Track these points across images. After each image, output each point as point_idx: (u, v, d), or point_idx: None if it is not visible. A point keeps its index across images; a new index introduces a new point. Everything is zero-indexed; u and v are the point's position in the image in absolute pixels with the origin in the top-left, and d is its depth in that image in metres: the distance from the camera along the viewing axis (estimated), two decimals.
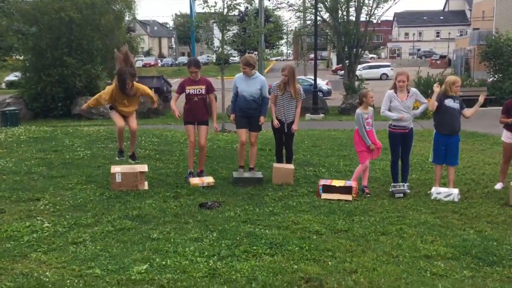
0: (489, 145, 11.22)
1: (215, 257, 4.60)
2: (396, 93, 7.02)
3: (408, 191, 7.04)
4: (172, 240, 5.03)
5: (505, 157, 7.32)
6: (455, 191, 6.79)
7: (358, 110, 7.14)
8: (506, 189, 6.94)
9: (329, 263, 4.51)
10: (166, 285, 4.01)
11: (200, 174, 7.67)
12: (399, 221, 5.77)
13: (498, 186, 7.30)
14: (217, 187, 7.26)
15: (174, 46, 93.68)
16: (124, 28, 26.41)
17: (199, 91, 7.42)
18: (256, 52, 20.00)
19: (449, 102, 6.85)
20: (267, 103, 7.69)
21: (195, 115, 7.50)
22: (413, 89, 7.13)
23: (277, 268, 4.36)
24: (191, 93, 7.42)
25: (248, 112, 7.59)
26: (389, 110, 7.04)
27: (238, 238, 5.09)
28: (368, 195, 6.94)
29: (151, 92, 7.99)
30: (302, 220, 5.75)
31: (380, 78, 45.65)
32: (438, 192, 6.82)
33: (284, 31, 32.36)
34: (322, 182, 7.12)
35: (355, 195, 6.84)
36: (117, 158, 8.27)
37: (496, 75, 22.97)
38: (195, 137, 7.56)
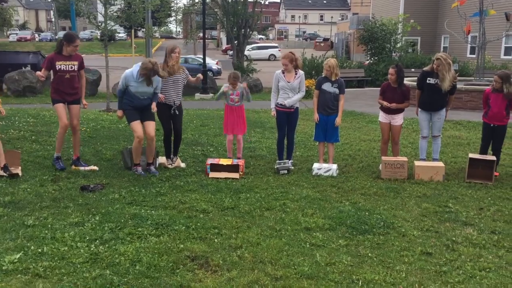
0: (365, 123, 12.06)
1: (97, 241, 4.43)
2: (283, 73, 7.22)
3: (292, 167, 7.35)
4: (49, 226, 4.74)
5: (384, 137, 7.70)
6: (334, 166, 7.22)
7: (226, 84, 7.65)
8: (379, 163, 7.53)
9: (215, 240, 4.57)
10: (42, 274, 3.78)
11: (76, 162, 6.97)
12: (283, 197, 6.00)
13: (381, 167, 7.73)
14: (101, 169, 6.96)
15: (53, 19, 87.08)
16: None
17: (71, 67, 6.72)
18: (143, 29, 19.31)
19: (325, 86, 7.22)
20: (157, 95, 7.02)
21: (66, 93, 6.76)
22: (301, 72, 7.35)
23: (163, 248, 4.32)
24: (62, 69, 6.67)
25: (140, 107, 6.84)
26: (278, 89, 7.27)
27: (122, 220, 4.94)
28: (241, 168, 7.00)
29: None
30: (189, 200, 5.74)
31: (269, 59, 46.84)
32: (319, 167, 7.20)
33: (173, 8, 31.58)
34: (210, 161, 7.16)
35: (242, 173, 6.97)
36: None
37: (372, 58, 24.66)
38: (67, 118, 6.82)
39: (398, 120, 7.42)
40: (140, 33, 55.32)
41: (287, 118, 7.36)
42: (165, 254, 4.20)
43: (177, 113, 7.26)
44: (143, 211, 5.26)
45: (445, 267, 4.10)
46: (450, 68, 7.07)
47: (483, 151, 7.25)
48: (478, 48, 16.46)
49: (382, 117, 7.51)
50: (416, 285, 3.79)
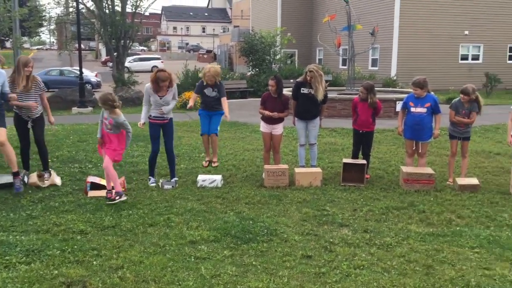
0: (248, 133, 12.30)
1: None
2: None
3: (176, 186, 7.17)
4: None
5: (265, 146, 7.86)
6: (218, 177, 7.24)
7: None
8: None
9: (94, 262, 4.32)
10: None
11: None
12: (167, 211, 5.88)
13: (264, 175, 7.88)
14: None
15: None
16: None
17: None
18: (10, 40, 17.84)
19: (207, 91, 7.26)
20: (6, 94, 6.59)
21: None
22: (174, 87, 7.22)
23: (34, 276, 3.97)
24: None
25: None
26: (150, 103, 7.03)
27: None
28: (111, 201, 6.18)
29: None
30: (65, 221, 5.38)
31: (151, 71, 45.72)
32: (204, 179, 7.18)
33: (44, 17, 29.64)
34: (91, 179, 6.79)
35: (124, 189, 6.70)
36: None
37: (253, 69, 25.36)
38: None
39: (278, 129, 7.67)
40: (8, 44, 51.22)
41: (161, 130, 7.17)
42: (36, 283, 3.87)
43: (33, 125, 7.05)
44: (11, 237, 4.81)
45: (324, 268, 4.30)
46: (322, 79, 7.50)
47: (355, 155, 7.79)
48: (348, 60, 17.76)
49: (263, 127, 7.71)
50: None
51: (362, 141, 7.70)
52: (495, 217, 5.80)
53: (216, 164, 7.65)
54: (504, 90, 24.63)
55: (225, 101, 7.38)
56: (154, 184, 7.10)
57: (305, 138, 7.84)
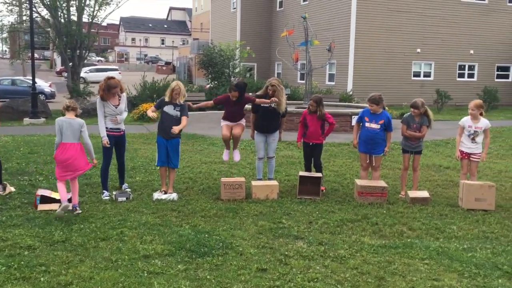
0: (206, 146, 12.24)
1: None
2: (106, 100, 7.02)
3: (129, 189, 7.18)
4: None
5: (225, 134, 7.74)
6: (174, 194, 7.12)
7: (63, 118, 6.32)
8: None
9: (42, 279, 4.16)
10: None
11: None
12: (121, 225, 5.75)
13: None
14: None
15: None
16: None
17: None
18: None
19: (167, 109, 7.15)
20: None
21: None
22: (124, 94, 7.27)
23: None
24: None
25: None
26: (105, 115, 7.02)
27: None
28: (78, 212, 6.17)
29: None
30: (12, 236, 5.18)
31: None
32: (159, 195, 7.07)
33: None
34: (41, 192, 6.57)
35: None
36: None
37: (212, 82, 25.34)
38: None
39: (240, 123, 7.65)
40: None
41: (115, 141, 7.17)
42: None
43: None
44: None
45: (278, 281, 4.30)
46: (284, 92, 7.66)
47: (307, 169, 7.88)
48: (306, 74, 18.03)
49: (224, 122, 7.62)
50: None
51: (313, 154, 7.80)
52: (444, 229, 5.99)
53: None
54: (454, 106, 25.63)
55: (185, 120, 7.20)
56: (108, 198, 6.95)
57: (263, 151, 7.87)
